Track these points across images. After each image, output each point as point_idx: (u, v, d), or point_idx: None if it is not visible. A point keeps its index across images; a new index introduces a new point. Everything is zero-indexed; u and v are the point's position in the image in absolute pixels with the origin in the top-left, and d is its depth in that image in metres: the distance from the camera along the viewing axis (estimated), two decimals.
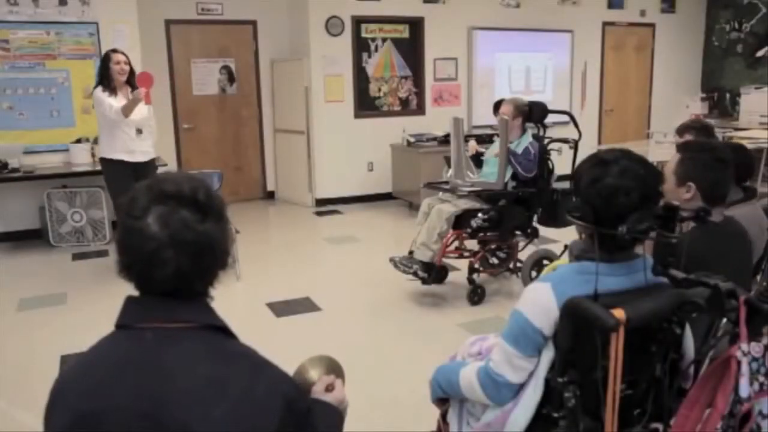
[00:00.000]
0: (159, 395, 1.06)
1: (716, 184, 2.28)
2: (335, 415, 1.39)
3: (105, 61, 5.02)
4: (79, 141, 6.30)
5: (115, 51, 5.05)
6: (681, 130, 3.38)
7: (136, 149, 5.06)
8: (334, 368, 1.53)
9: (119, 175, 4.99)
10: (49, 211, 6.10)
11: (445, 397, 2.02)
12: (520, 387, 1.72)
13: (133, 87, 4.95)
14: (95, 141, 6.38)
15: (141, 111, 4.98)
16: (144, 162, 5.09)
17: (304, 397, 1.15)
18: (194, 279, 1.13)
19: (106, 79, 4.97)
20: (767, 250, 2.70)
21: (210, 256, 1.13)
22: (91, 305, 4.51)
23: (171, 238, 1.08)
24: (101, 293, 4.66)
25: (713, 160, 2.29)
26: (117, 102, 4.90)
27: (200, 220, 1.11)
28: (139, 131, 5.06)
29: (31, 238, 6.29)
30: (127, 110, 4.83)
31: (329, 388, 1.43)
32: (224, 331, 1.17)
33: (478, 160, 4.81)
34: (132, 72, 5.04)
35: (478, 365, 1.81)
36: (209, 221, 1.13)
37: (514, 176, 4.50)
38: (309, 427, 1.16)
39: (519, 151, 4.47)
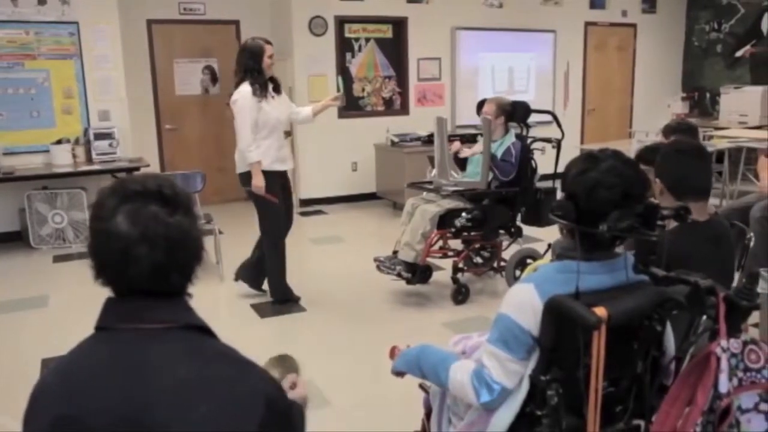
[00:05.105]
0: (140, 397, 1.05)
1: (682, 176, 2.22)
2: (302, 413, 1.41)
3: (258, 53, 4.15)
4: (59, 142, 6.23)
5: (268, 42, 4.22)
6: (667, 132, 3.40)
7: (286, 156, 4.39)
8: (291, 365, 1.55)
9: (274, 188, 4.34)
10: (30, 213, 6.02)
11: (417, 377, 1.96)
12: None
13: (275, 84, 4.29)
14: (76, 142, 6.33)
15: (283, 109, 4.34)
16: (286, 171, 4.39)
17: (284, 397, 1.14)
18: (171, 273, 1.12)
19: (259, 75, 4.14)
20: (744, 249, 2.73)
21: (184, 248, 1.13)
22: (73, 307, 4.47)
23: (143, 235, 1.08)
24: (83, 295, 4.56)
25: (673, 152, 2.26)
26: (268, 103, 4.21)
27: (170, 213, 1.11)
28: (288, 133, 4.30)
29: (12, 240, 6.21)
30: (317, 112, 4.41)
31: (292, 386, 1.44)
32: (205, 330, 1.17)
33: (459, 161, 4.81)
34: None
35: (470, 368, 1.75)
36: (178, 214, 1.13)
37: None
38: (289, 427, 1.16)
39: (501, 151, 4.49)
